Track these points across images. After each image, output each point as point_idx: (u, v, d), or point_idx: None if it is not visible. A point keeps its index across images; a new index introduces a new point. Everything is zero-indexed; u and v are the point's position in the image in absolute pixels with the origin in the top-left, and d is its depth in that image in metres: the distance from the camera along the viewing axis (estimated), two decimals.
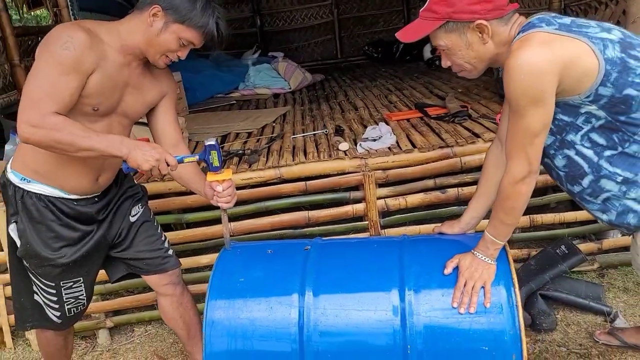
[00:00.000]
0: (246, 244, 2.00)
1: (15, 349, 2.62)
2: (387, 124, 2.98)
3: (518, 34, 1.42)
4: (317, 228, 2.62)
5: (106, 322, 2.62)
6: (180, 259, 2.55)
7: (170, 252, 1.99)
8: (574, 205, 2.57)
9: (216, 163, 1.71)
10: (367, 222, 2.55)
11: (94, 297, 2.56)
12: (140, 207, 1.95)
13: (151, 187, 2.46)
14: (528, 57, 1.34)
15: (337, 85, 4.86)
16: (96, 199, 1.81)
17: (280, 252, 1.87)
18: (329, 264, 1.76)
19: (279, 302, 1.68)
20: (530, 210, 2.67)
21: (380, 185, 2.55)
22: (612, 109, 1.38)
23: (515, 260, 2.66)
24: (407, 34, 1.52)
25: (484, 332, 1.57)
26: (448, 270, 1.64)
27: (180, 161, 1.66)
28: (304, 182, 2.51)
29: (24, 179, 1.71)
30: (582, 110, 1.41)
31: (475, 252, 1.62)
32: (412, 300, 1.61)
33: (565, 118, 1.44)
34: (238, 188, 2.50)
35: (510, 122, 1.45)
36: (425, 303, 1.61)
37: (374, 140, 2.63)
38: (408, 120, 3.07)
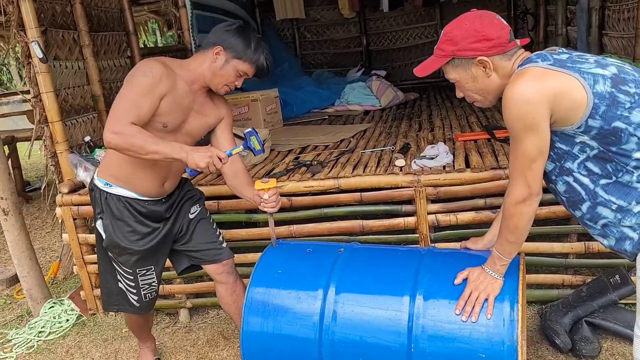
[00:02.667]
0: (290, 243, 2.27)
1: (115, 316, 3.15)
2: (453, 143, 3.10)
3: (518, 67, 1.55)
4: (370, 237, 2.82)
5: (186, 302, 3.05)
6: (246, 255, 2.91)
7: (224, 245, 2.31)
8: None
9: (257, 146, 1.99)
10: (417, 235, 2.71)
11: (177, 280, 3.02)
12: (198, 206, 2.30)
13: (227, 189, 2.84)
14: (521, 88, 1.46)
15: (427, 104, 4.98)
16: (163, 200, 2.19)
17: (316, 252, 2.11)
18: (355, 266, 1.97)
19: (306, 294, 1.92)
20: (586, 236, 2.66)
21: (433, 201, 2.70)
22: (603, 140, 1.45)
23: (569, 286, 2.67)
24: (420, 69, 1.72)
25: (483, 341, 1.69)
26: (457, 280, 1.78)
27: (229, 154, 1.95)
28: (359, 193, 2.72)
29: (107, 184, 2.11)
30: (577, 140, 1.49)
31: (484, 267, 1.75)
32: (421, 305, 1.78)
33: (563, 147, 1.53)
34: (300, 195, 2.80)
35: (511, 148, 1.58)
36: (432, 308, 1.77)
37: (431, 158, 2.78)
38: (475, 141, 3.16)
